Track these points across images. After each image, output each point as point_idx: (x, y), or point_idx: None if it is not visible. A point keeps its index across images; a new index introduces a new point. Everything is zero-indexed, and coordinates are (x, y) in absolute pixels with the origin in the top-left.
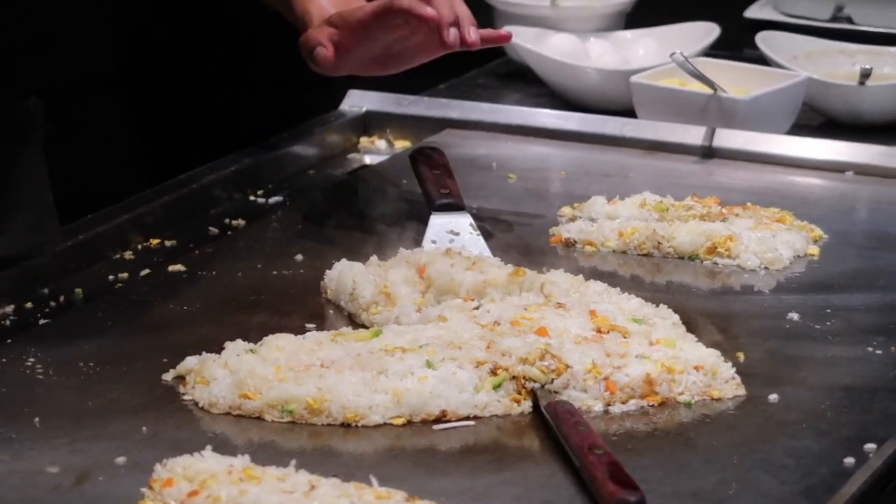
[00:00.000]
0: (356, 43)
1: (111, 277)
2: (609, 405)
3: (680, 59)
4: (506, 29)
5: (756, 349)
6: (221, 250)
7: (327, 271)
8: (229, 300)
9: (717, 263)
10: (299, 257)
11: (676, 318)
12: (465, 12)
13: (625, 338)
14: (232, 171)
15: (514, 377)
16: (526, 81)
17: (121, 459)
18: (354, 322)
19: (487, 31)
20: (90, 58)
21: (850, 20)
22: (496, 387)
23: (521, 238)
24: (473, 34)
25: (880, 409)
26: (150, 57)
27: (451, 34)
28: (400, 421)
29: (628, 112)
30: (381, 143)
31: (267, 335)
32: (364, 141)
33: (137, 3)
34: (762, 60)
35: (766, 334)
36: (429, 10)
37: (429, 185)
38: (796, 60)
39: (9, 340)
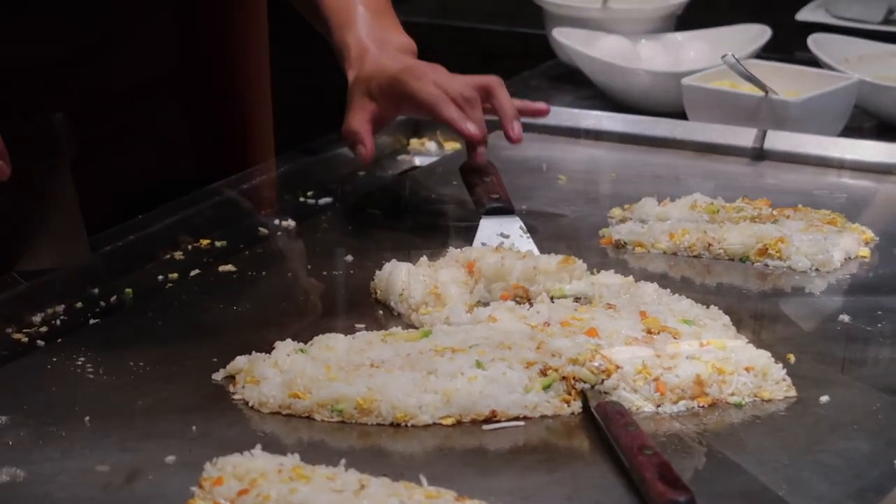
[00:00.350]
0: (390, 114)
1: (161, 277)
2: (659, 406)
3: (731, 61)
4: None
5: (807, 351)
6: (271, 251)
7: (377, 272)
8: (279, 300)
9: (767, 265)
10: (349, 258)
11: (727, 319)
12: (510, 109)
13: (675, 339)
14: (282, 172)
15: (563, 378)
16: (576, 83)
17: (171, 458)
18: (404, 322)
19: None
20: (145, 60)
21: None
22: (546, 387)
23: (572, 239)
24: (517, 130)
25: None
26: (203, 59)
27: (481, 153)
28: (449, 421)
29: (679, 114)
30: (431, 145)
31: (317, 335)
32: (414, 142)
33: (192, 7)
34: (814, 63)
35: (816, 336)
36: (470, 129)
37: (478, 190)
38: (848, 63)
39: (59, 340)
